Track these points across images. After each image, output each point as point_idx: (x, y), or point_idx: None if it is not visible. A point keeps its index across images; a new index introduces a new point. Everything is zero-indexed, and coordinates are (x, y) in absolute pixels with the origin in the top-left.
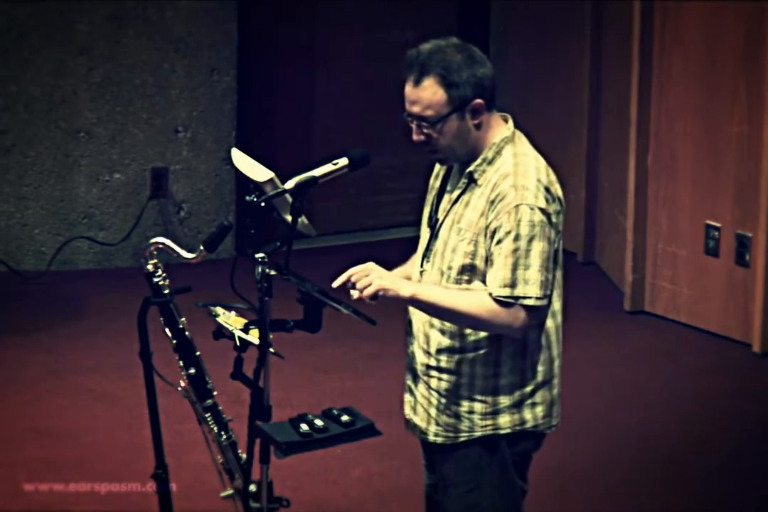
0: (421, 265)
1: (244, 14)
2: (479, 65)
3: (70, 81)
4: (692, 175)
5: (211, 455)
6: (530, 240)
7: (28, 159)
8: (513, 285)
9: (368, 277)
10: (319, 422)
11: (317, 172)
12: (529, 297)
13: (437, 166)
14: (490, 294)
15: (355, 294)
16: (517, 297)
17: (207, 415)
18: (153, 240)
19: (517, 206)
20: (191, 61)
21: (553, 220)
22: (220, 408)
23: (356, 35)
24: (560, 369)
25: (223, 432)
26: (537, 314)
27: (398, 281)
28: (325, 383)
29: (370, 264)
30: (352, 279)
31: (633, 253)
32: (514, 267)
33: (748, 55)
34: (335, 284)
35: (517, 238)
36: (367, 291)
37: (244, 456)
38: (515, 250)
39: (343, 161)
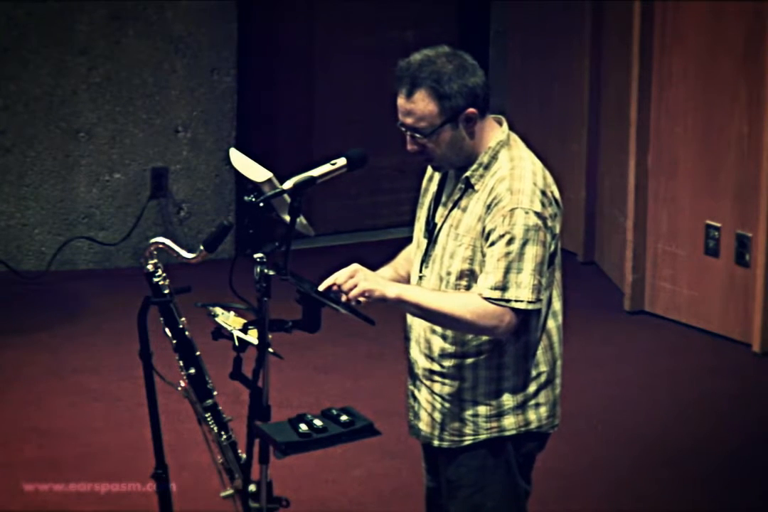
0: (420, 270)
1: (244, 14)
2: (470, 74)
3: (70, 81)
4: (692, 175)
5: (211, 455)
6: (524, 243)
7: (28, 159)
8: (504, 287)
9: (353, 279)
10: (318, 422)
11: (315, 172)
12: (521, 301)
13: (430, 169)
14: (481, 295)
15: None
16: (509, 300)
17: (207, 415)
18: (153, 240)
19: (512, 210)
20: (191, 61)
21: (549, 223)
22: (220, 408)
23: (356, 35)
24: (561, 369)
25: (223, 432)
26: (526, 317)
27: (383, 282)
28: (325, 383)
29: (355, 266)
30: (338, 281)
31: (633, 253)
32: (507, 271)
33: (748, 55)
34: (321, 287)
35: (510, 241)
36: (353, 293)
37: (244, 456)
38: (508, 253)
39: (341, 161)
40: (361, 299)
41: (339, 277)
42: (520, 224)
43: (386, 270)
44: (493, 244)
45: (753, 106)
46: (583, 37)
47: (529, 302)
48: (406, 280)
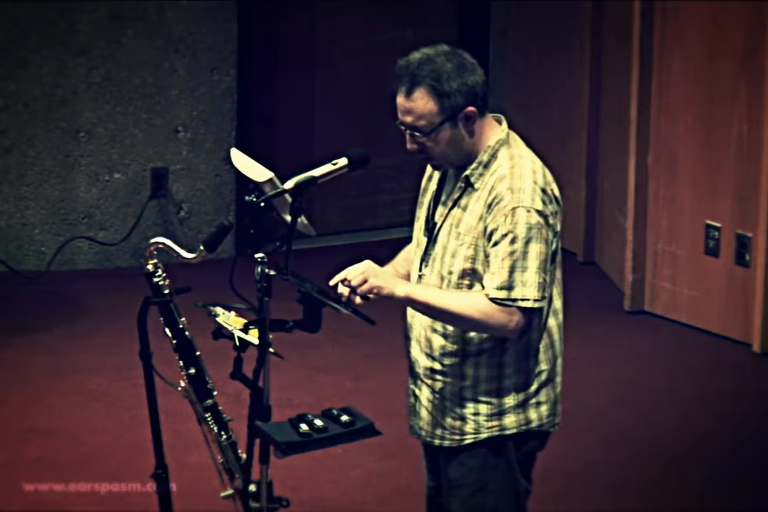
0: (420, 269)
1: (244, 14)
2: (470, 72)
3: (70, 81)
4: (692, 175)
5: (211, 455)
6: (527, 242)
7: (28, 159)
8: (510, 287)
9: (363, 275)
10: (318, 422)
11: (317, 172)
12: (527, 300)
13: (429, 168)
14: (487, 296)
15: (345, 292)
16: (515, 299)
17: (207, 415)
18: (153, 240)
19: (513, 209)
20: (191, 61)
21: (550, 221)
22: (220, 408)
23: (356, 35)
24: (562, 368)
25: (223, 432)
26: (532, 316)
27: (393, 280)
28: (325, 383)
29: (367, 263)
30: (348, 277)
31: (633, 253)
32: (512, 270)
33: (748, 55)
34: (332, 282)
35: (514, 240)
36: (362, 289)
37: (244, 456)
38: (512, 253)
39: (343, 161)
40: (370, 296)
41: (350, 273)
42: (523, 223)
43: (386, 269)
44: (496, 243)
45: (753, 106)
46: (583, 37)
47: (536, 300)
48: (406, 279)
